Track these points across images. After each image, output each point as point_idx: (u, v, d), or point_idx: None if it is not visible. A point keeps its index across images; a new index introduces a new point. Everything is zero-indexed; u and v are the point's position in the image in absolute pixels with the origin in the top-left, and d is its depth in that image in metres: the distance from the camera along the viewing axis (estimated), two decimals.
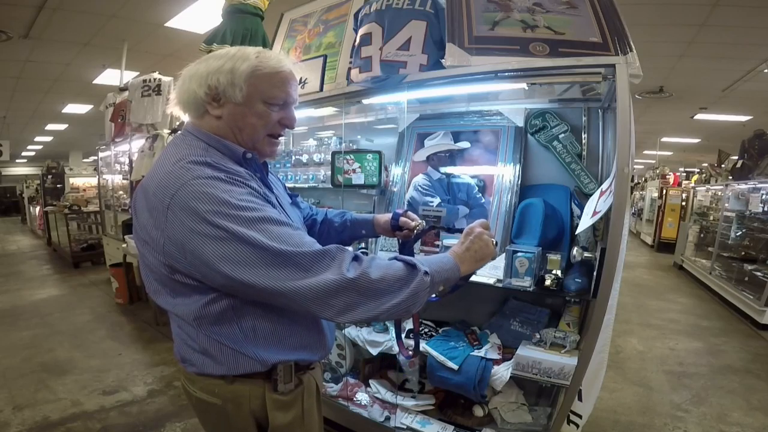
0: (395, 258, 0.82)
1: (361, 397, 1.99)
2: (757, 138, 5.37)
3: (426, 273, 0.79)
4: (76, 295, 4.81)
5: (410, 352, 1.48)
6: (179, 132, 0.94)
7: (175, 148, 0.85)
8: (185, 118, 0.92)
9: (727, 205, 5.13)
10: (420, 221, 1.19)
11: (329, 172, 2.20)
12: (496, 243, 0.99)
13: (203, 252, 0.73)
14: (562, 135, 1.76)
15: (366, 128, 2.36)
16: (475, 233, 0.95)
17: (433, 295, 0.85)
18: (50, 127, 9.60)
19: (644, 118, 7.76)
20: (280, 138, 0.95)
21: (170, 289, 0.84)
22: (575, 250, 1.52)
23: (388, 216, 1.23)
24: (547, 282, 1.50)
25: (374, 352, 1.94)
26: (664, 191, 8.29)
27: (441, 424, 1.79)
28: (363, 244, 2.06)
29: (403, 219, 1.19)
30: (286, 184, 2.38)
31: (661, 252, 7.89)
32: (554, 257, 1.55)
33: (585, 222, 1.43)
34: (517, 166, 1.82)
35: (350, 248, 0.85)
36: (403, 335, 1.48)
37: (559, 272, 1.53)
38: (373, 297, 0.76)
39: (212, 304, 0.81)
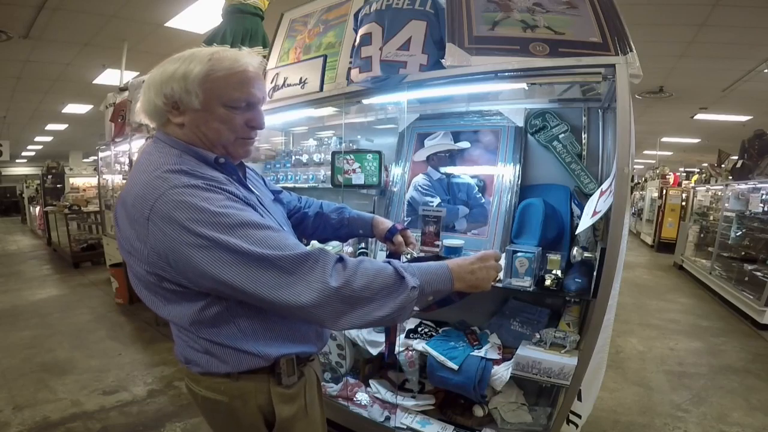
0: (388, 261, 0.82)
1: (361, 397, 1.99)
2: (757, 138, 5.38)
3: (414, 288, 0.79)
4: (76, 295, 4.81)
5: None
6: (150, 140, 0.91)
7: (149, 156, 0.83)
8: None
9: (727, 205, 5.12)
10: (411, 249, 1.18)
11: (329, 172, 2.20)
12: (499, 280, 0.98)
13: (188, 260, 0.73)
14: (562, 135, 1.76)
15: (366, 128, 2.36)
16: (488, 264, 0.92)
17: (416, 308, 0.84)
18: (50, 127, 9.61)
19: (644, 118, 7.76)
20: (253, 139, 0.92)
21: (162, 298, 0.84)
22: (575, 250, 1.53)
23: (387, 225, 1.21)
24: (547, 282, 1.50)
25: (374, 352, 1.94)
26: (664, 191, 8.29)
27: (441, 424, 1.79)
28: (363, 244, 2.06)
29: (397, 238, 1.18)
30: (286, 185, 2.41)
31: (661, 252, 7.88)
32: (554, 257, 1.55)
33: (585, 222, 1.43)
34: (517, 166, 1.82)
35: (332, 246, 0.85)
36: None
37: (559, 272, 1.53)
38: (359, 306, 0.76)
39: (207, 309, 0.81)
